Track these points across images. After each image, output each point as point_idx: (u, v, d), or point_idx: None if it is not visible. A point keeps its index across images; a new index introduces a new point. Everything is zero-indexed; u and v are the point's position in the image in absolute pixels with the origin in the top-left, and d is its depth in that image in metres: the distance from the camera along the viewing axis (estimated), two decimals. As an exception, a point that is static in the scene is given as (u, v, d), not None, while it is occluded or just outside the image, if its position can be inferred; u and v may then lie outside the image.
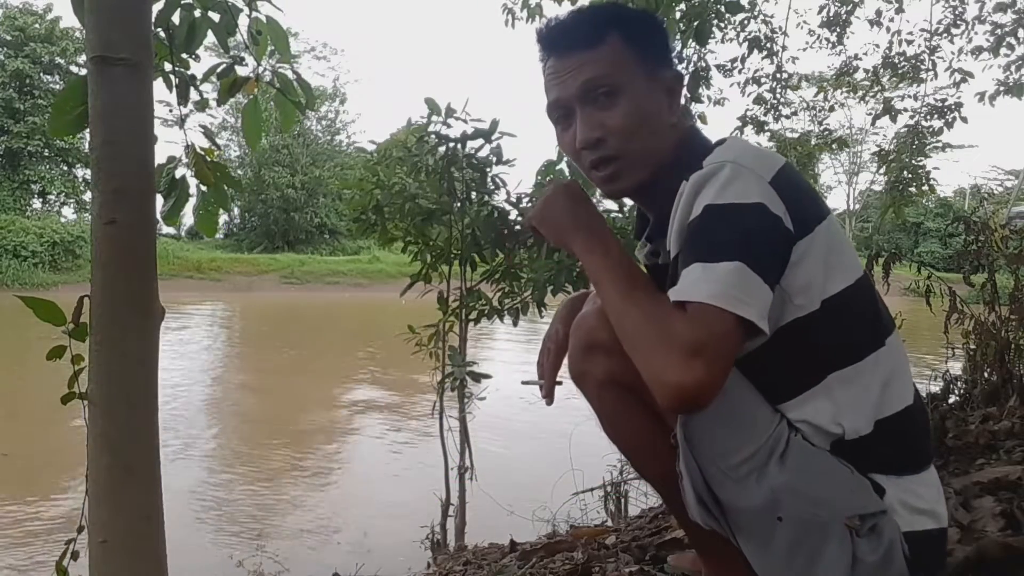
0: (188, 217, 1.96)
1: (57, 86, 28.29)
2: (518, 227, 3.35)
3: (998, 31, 5.85)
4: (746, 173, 1.02)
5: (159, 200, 1.81)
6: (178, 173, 1.81)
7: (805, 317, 1.06)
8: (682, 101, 1.23)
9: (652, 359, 0.97)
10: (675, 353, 0.94)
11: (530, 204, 3.34)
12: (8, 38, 27.64)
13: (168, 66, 1.78)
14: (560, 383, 1.33)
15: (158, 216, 1.71)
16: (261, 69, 1.92)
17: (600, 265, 1.10)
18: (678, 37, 3.10)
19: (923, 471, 1.12)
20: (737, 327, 0.96)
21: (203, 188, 1.83)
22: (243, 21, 1.87)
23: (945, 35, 6.07)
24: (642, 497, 3.31)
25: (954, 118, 5.97)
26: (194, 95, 1.85)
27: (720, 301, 0.95)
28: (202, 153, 1.80)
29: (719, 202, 1.01)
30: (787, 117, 6.91)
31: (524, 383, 1.49)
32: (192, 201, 1.86)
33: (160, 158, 1.78)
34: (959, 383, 2.99)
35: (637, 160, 1.16)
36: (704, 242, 1.01)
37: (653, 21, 1.27)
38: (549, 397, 1.31)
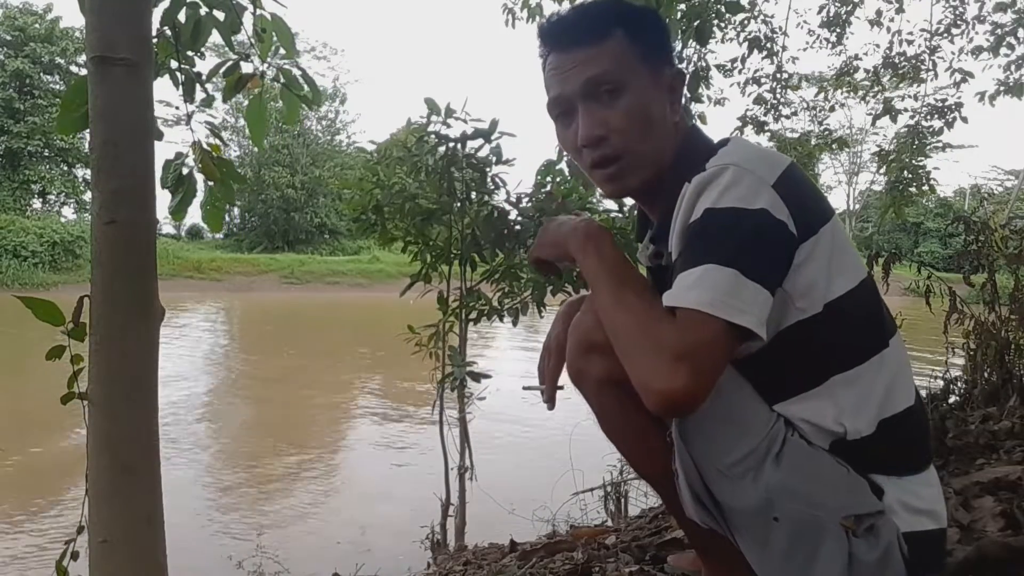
0: (189, 217, 1.97)
1: (57, 86, 28.30)
2: (518, 227, 3.35)
3: (998, 31, 5.86)
4: (748, 177, 1.00)
5: (166, 196, 1.83)
6: (185, 169, 1.82)
7: (807, 320, 1.05)
8: (682, 100, 1.22)
9: (639, 364, 0.97)
10: (661, 359, 0.94)
11: (529, 206, 3.36)
12: (8, 38, 27.66)
13: (174, 63, 1.79)
14: (562, 387, 1.32)
15: (164, 213, 1.71)
16: (265, 66, 1.93)
17: (594, 267, 1.10)
18: (678, 37, 3.10)
19: (923, 471, 1.12)
20: (726, 334, 0.95)
21: (209, 184, 1.84)
22: (248, 19, 1.87)
23: (945, 35, 6.08)
24: (642, 497, 3.31)
25: (954, 118, 5.97)
26: (199, 92, 1.86)
27: (711, 308, 0.94)
28: (208, 149, 1.80)
29: (719, 205, 1.00)
30: (787, 117, 6.92)
31: (525, 388, 1.48)
32: (199, 197, 1.87)
33: (167, 154, 1.80)
34: (959, 383, 2.99)
35: (640, 159, 1.15)
36: (700, 246, 1.00)
37: (656, 18, 1.25)
38: (551, 403, 1.30)
